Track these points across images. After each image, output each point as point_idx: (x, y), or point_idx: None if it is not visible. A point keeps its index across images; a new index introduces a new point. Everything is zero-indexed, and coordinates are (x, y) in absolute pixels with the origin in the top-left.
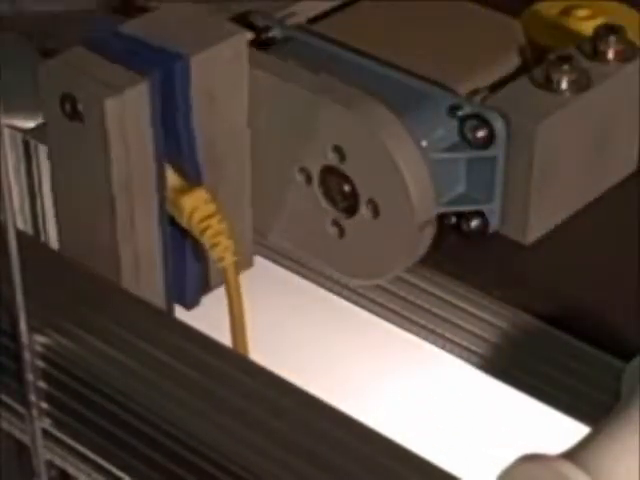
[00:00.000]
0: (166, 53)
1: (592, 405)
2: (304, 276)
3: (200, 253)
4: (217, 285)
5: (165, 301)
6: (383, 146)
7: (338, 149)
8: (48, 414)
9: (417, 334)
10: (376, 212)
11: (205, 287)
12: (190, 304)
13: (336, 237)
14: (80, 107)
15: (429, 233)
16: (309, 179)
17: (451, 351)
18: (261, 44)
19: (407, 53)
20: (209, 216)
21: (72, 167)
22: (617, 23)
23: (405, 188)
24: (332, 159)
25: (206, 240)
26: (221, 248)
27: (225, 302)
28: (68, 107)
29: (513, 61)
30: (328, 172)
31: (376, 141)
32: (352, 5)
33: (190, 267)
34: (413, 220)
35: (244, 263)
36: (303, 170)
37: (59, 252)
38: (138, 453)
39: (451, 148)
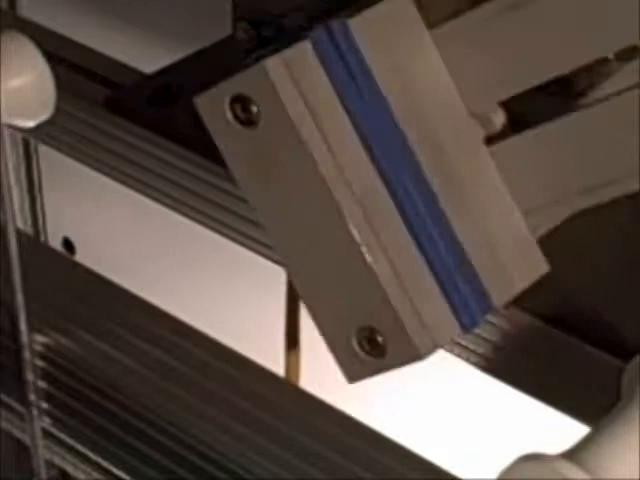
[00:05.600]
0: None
1: (592, 405)
2: None
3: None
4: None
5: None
6: None
7: None
8: (48, 414)
9: None
10: None
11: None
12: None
13: None
14: (254, 109)
15: None
16: None
17: (451, 351)
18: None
19: None
20: None
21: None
22: None
23: None
24: None
25: None
26: None
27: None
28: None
29: None
30: None
31: None
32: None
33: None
34: None
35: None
36: None
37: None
38: (138, 453)
39: None
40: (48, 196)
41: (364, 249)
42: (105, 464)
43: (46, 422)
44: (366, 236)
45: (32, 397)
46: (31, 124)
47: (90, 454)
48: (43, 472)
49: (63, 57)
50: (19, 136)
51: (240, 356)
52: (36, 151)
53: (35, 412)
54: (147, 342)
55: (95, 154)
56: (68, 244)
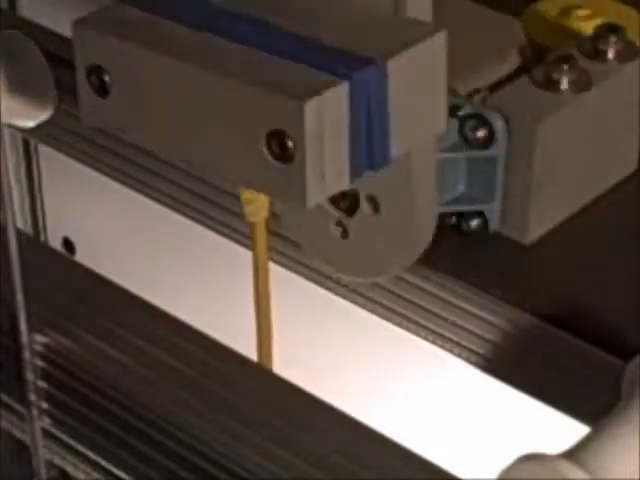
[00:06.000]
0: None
1: (592, 405)
2: (304, 275)
3: None
4: None
5: None
6: None
7: None
8: (48, 414)
9: (417, 334)
10: (376, 208)
11: None
12: None
13: (339, 237)
14: (106, 76)
15: (429, 231)
16: None
17: (451, 351)
18: None
19: None
20: None
21: None
22: (617, 23)
23: (407, 183)
24: None
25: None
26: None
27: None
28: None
29: (513, 61)
30: None
31: None
32: None
33: None
34: (413, 215)
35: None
36: None
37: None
38: (138, 453)
39: (451, 148)
40: (48, 196)
41: (217, 78)
42: (105, 464)
43: (46, 422)
44: (216, 66)
45: (32, 397)
46: (31, 124)
47: (90, 454)
48: (43, 472)
49: (63, 57)
50: (19, 136)
51: (241, 357)
52: (36, 151)
53: (35, 412)
54: (147, 342)
55: (95, 154)
56: (68, 244)
